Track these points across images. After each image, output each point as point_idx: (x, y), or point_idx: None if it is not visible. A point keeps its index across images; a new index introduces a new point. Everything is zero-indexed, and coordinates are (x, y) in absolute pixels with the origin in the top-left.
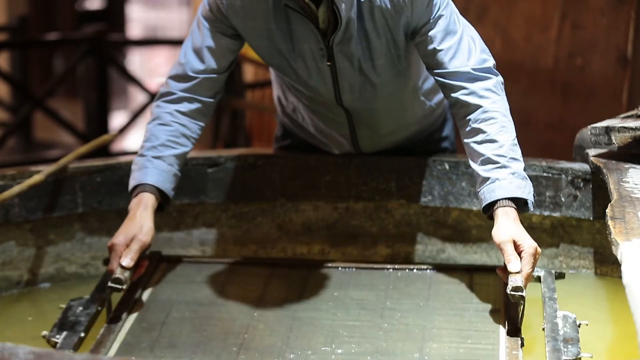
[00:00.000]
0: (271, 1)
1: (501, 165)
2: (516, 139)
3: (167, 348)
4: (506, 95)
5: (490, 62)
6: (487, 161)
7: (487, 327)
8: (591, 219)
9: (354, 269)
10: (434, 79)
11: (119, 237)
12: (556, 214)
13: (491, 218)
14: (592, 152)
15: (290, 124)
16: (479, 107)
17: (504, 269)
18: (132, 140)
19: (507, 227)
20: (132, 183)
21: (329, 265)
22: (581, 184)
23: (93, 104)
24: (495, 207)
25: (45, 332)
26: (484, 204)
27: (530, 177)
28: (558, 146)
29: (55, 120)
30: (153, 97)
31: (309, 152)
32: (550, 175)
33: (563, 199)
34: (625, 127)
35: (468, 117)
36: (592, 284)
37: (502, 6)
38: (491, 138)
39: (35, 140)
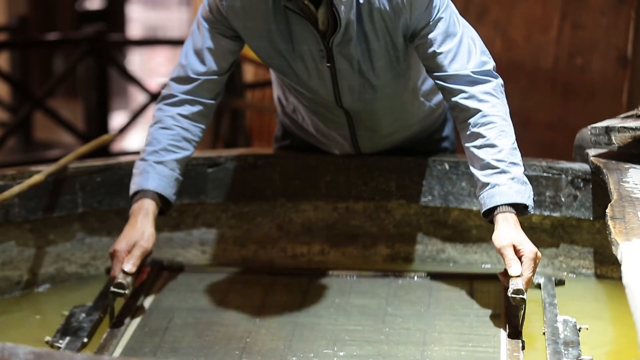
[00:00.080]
0: (271, 2)
1: (500, 170)
2: (516, 143)
3: (169, 352)
4: (506, 95)
5: (490, 64)
6: (487, 166)
7: (488, 331)
8: (591, 219)
9: (354, 277)
10: (434, 82)
11: (121, 244)
12: (556, 214)
13: (491, 223)
14: (592, 152)
15: (290, 124)
16: (479, 111)
17: (505, 273)
18: (132, 140)
19: (507, 232)
20: (133, 188)
21: (330, 273)
22: (581, 184)
23: (93, 104)
24: (495, 213)
25: (48, 338)
26: (484, 210)
27: (530, 177)
28: (558, 146)
29: (55, 120)
30: (153, 97)
31: (309, 152)
32: (550, 175)
33: (563, 199)
34: (625, 127)
35: (468, 121)
36: (592, 287)
37: (502, 6)
38: (490, 142)
39: (35, 140)
